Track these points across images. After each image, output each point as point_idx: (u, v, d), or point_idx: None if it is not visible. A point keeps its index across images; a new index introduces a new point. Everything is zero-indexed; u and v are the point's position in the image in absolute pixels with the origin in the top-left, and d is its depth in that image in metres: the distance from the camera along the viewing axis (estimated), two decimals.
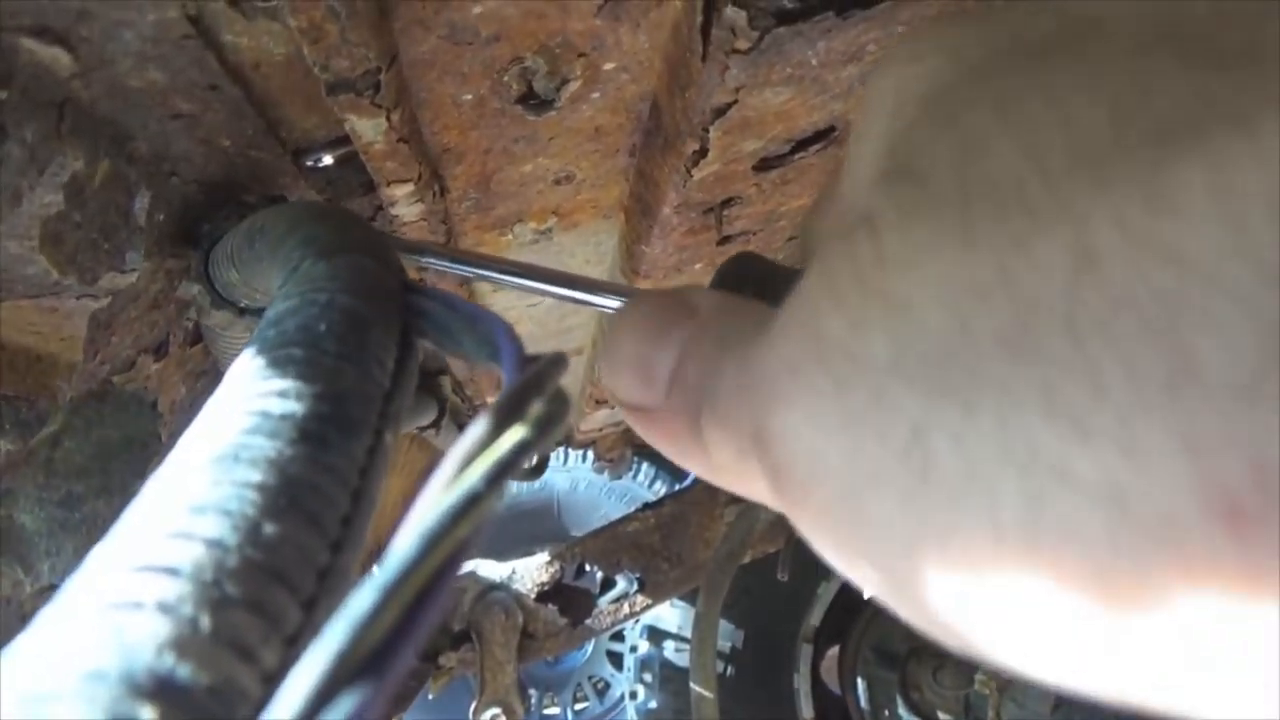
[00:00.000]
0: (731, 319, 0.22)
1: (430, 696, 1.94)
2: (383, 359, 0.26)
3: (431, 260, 0.39)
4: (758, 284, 0.28)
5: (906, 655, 2.36)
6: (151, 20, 0.29)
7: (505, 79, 0.40)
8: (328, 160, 0.43)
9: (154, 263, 0.38)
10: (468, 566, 1.99)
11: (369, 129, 0.36)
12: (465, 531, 0.19)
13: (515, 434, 0.20)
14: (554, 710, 3.67)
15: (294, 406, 0.22)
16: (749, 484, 0.21)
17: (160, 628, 0.16)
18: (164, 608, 0.17)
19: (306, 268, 0.29)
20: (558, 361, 0.22)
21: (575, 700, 3.67)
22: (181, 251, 0.40)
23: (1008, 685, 1.88)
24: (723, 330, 0.22)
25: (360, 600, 0.17)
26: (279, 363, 0.24)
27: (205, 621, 0.17)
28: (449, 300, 0.29)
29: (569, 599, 2.06)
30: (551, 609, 2.01)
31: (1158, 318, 0.13)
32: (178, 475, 0.21)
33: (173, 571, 0.18)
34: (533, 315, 0.85)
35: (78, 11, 0.27)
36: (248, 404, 0.22)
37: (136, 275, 0.40)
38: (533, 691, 3.59)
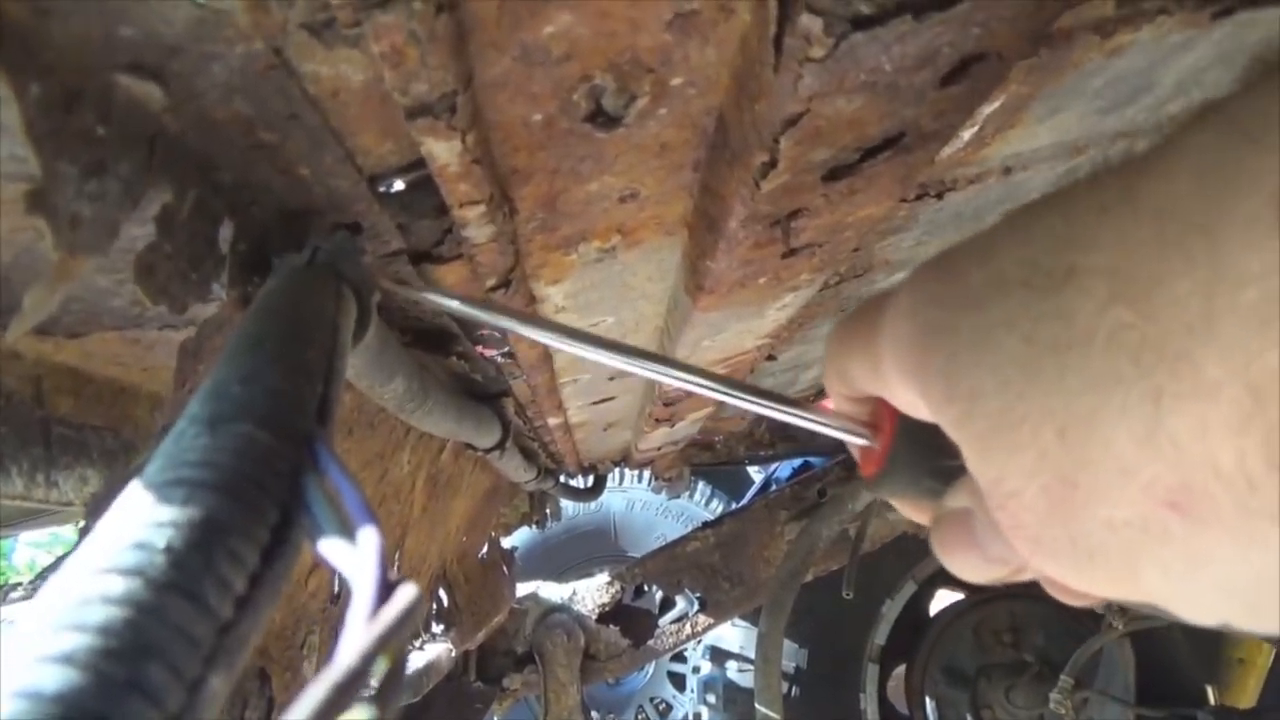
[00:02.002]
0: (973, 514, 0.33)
1: (496, 719, 1.95)
2: (230, 580, 0.22)
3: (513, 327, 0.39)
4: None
5: (976, 674, 2.30)
6: (239, 52, 0.29)
7: (574, 98, 0.40)
8: (400, 185, 0.43)
9: (237, 291, 0.39)
10: (530, 588, 1.99)
11: (444, 151, 0.36)
12: None
13: (362, 710, 0.18)
14: None
15: (73, 680, 0.18)
16: (1096, 589, 0.28)
17: None
18: None
19: (187, 442, 0.25)
20: (413, 608, 0.20)
21: None
22: (262, 280, 0.41)
23: (1084, 704, 1.82)
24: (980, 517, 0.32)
25: None
26: (84, 605, 0.20)
27: None
28: (341, 482, 0.25)
29: (630, 620, 2.06)
30: (613, 630, 2.01)
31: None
32: None
33: None
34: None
35: (170, 47, 0.28)
36: (19, 678, 0.19)
37: (220, 304, 0.41)
38: (595, 714, 3.58)
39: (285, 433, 0.26)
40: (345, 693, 0.18)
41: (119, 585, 0.20)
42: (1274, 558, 0.22)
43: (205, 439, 0.25)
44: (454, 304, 0.41)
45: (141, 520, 0.22)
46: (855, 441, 0.38)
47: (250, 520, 0.23)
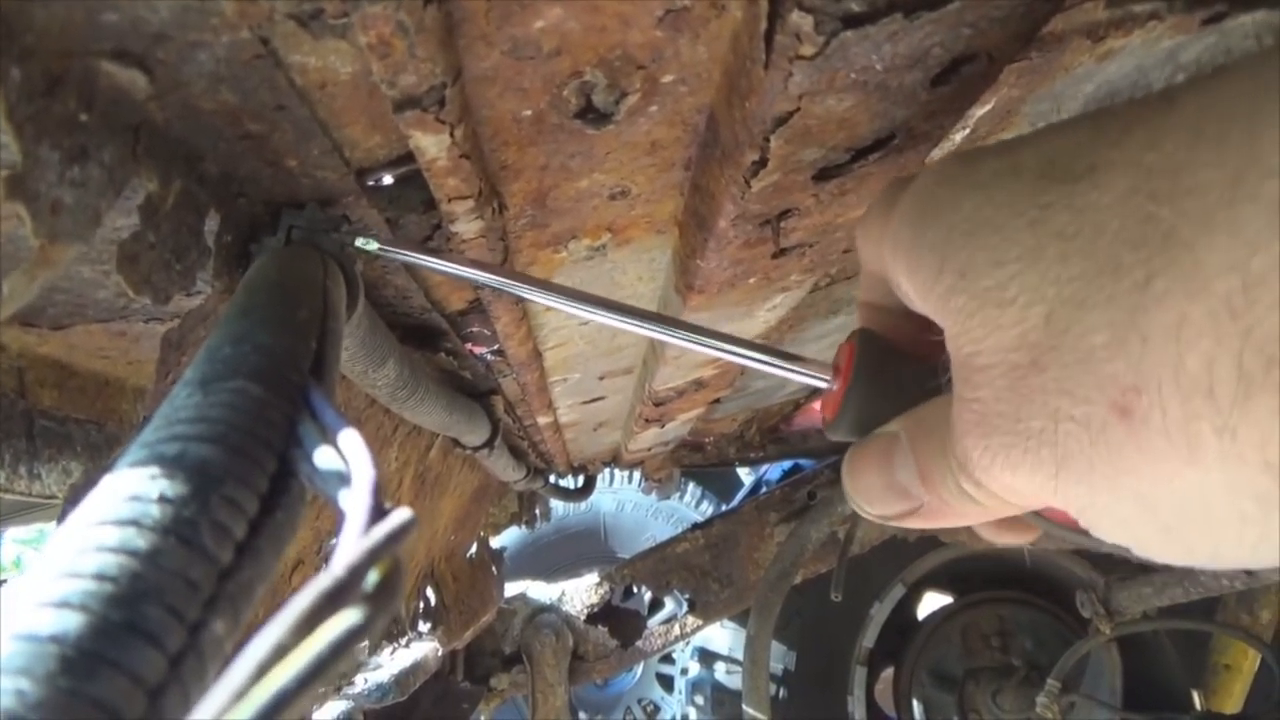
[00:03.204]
0: (932, 424, 0.32)
1: (483, 719, 1.94)
2: (227, 525, 0.22)
3: (503, 286, 0.39)
4: (890, 365, 0.36)
5: (963, 677, 2.30)
6: (225, 41, 0.29)
7: (564, 93, 0.40)
8: (388, 180, 0.43)
9: (222, 283, 0.38)
10: (518, 588, 1.99)
11: (433, 145, 0.36)
12: (298, 709, 0.16)
13: (345, 618, 0.18)
14: None
15: (68, 622, 0.19)
16: (1015, 486, 0.28)
17: None
18: None
19: (181, 401, 0.25)
20: (406, 527, 0.20)
21: None
22: (241, 272, 0.41)
23: (1071, 708, 1.83)
24: (934, 432, 0.32)
25: None
26: (79, 554, 0.20)
27: None
28: (335, 423, 0.26)
29: (619, 621, 2.06)
30: (601, 630, 2.01)
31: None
32: None
33: None
34: (584, 334, 0.85)
35: (155, 35, 0.28)
36: (15, 622, 0.19)
37: (204, 296, 0.40)
38: (583, 715, 3.57)
39: (278, 386, 0.26)
40: (335, 598, 0.18)
41: (114, 534, 0.21)
42: (1202, 479, 0.22)
43: (197, 397, 0.25)
44: (434, 263, 0.40)
45: (136, 476, 0.22)
46: (813, 384, 0.38)
47: (245, 468, 0.23)
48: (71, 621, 0.19)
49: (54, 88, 0.25)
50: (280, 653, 0.17)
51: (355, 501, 0.22)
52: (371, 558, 0.19)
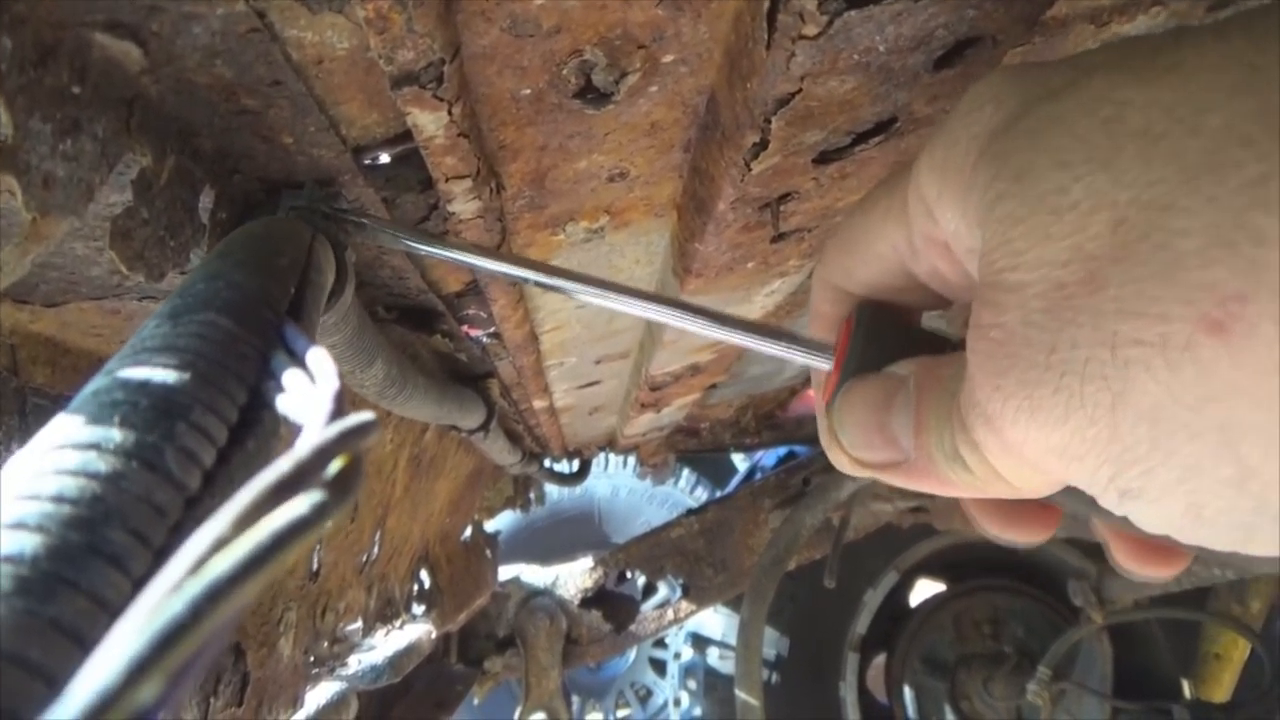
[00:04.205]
0: (947, 373, 0.29)
1: (476, 702, 1.95)
2: (194, 452, 0.22)
3: (494, 269, 0.39)
4: (893, 332, 0.33)
5: (955, 664, 2.32)
6: (220, 14, 0.29)
7: (564, 72, 0.39)
8: (385, 158, 0.43)
9: None
10: (512, 572, 1.99)
11: (430, 123, 0.36)
12: (239, 599, 0.16)
13: (308, 498, 0.17)
14: (596, 717, 3.67)
15: (25, 542, 0.18)
16: (1009, 459, 0.25)
17: None
18: None
19: (149, 332, 0.25)
20: (369, 425, 0.20)
21: (618, 707, 3.66)
22: None
23: (1061, 695, 1.84)
24: (947, 383, 0.28)
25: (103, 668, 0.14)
26: (37, 477, 0.20)
27: None
28: (304, 353, 0.25)
29: (612, 605, 2.06)
30: (595, 614, 2.02)
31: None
32: None
33: None
34: (580, 318, 0.85)
35: (149, 6, 0.27)
36: None
37: None
38: (575, 698, 3.59)
39: (249, 320, 0.26)
40: (294, 481, 0.17)
41: (73, 457, 0.20)
42: None
43: (165, 328, 0.25)
44: (420, 246, 0.40)
45: (97, 400, 0.22)
46: (815, 364, 0.36)
47: (213, 396, 0.23)
48: (28, 542, 0.18)
49: (46, 59, 0.25)
50: (218, 545, 0.16)
51: (318, 400, 0.21)
52: (336, 444, 0.18)
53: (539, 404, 1.14)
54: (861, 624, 2.36)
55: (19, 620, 0.17)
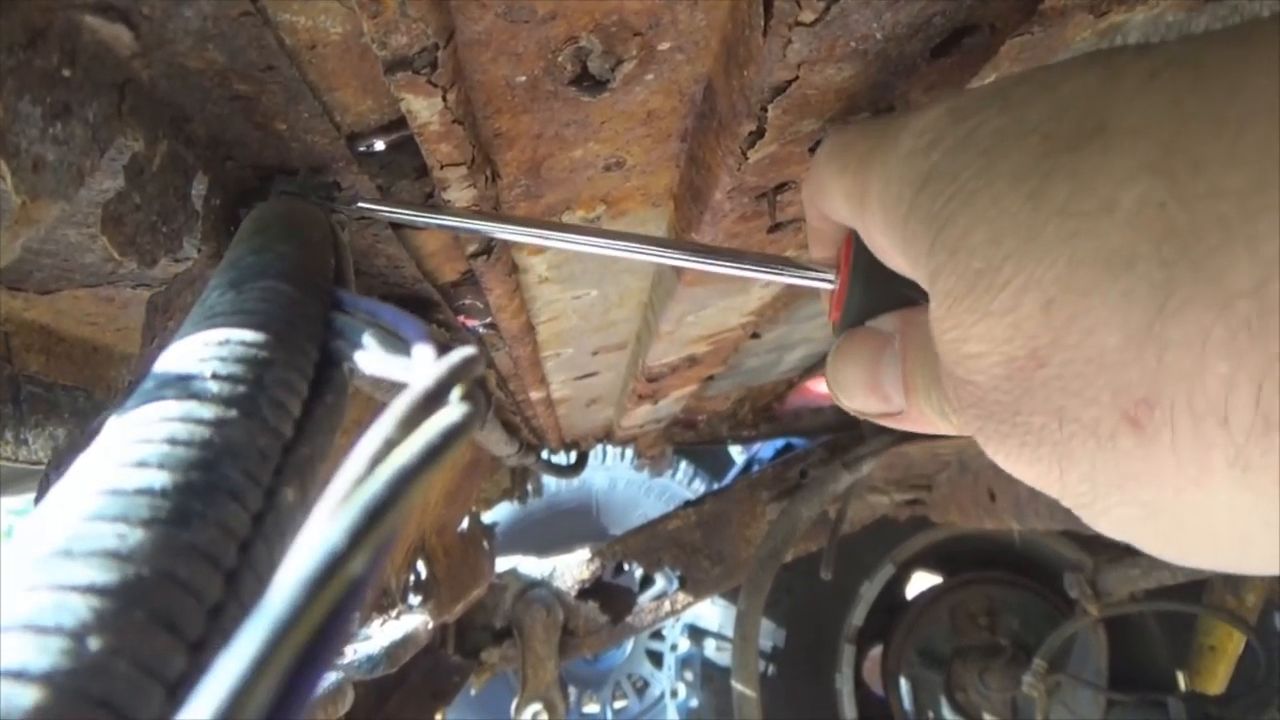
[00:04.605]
0: (919, 340, 0.31)
1: (473, 692, 1.95)
2: (283, 401, 0.23)
3: (501, 233, 0.38)
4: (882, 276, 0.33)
5: (951, 656, 2.32)
6: None
7: (559, 59, 0.39)
8: (380, 145, 0.42)
9: (209, 247, 0.38)
10: (510, 564, 1.99)
11: (425, 109, 0.36)
12: (399, 513, 0.16)
13: (446, 415, 0.18)
14: (593, 708, 3.68)
15: (152, 478, 0.19)
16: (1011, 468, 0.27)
17: None
18: None
19: (213, 300, 0.26)
20: (474, 356, 0.21)
21: (614, 698, 3.68)
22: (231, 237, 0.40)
23: (1056, 687, 1.84)
24: (921, 345, 0.30)
25: (280, 595, 0.14)
26: (146, 423, 0.21)
27: None
28: (371, 309, 0.27)
29: (609, 596, 2.06)
30: (592, 606, 2.02)
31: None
32: None
33: None
34: (577, 308, 0.84)
35: None
36: (98, 480, 0.19)
37: (192, 261, 0.40)
38: (572, 689, 3.60)
39: (307, 285, 0.27)
40: (432, 400, 0.19)
41: (175, 407, 0.21)
42: (1208, 500, 0.21)
43: (230, 295, 0.26)
44: (419, 218, 0.40)
45: (183, 359, 0.23)
46: (818, 285, 0.37)
47: (290, 352, 0.24)
48: (155, 478, 0.19)
49: (35, 41, 0.25)
50: (389, 446, 0.17)
51: (421, 343, 0.22)
52: (462, 368, 0.20)
53: (536, 395, 1.14)
54: (858, 616, 2.37)
55: (163, 543, 0.18)
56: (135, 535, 0.18)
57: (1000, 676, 2.21)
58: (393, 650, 1.14)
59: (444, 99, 0.35)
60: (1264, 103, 0.20)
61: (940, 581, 2.45)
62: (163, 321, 0.38)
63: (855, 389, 0.33)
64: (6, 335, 0.48)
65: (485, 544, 1.79)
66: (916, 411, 0.31)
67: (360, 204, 0.40)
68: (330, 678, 0.97)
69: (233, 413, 0.21)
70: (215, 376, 0.22)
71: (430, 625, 1.31)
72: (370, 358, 0.25)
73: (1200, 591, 1.81)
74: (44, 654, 0.15)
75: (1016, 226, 0.23)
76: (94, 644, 0.16)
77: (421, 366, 0.21)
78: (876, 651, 2.44)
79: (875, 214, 0.30)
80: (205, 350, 0.23)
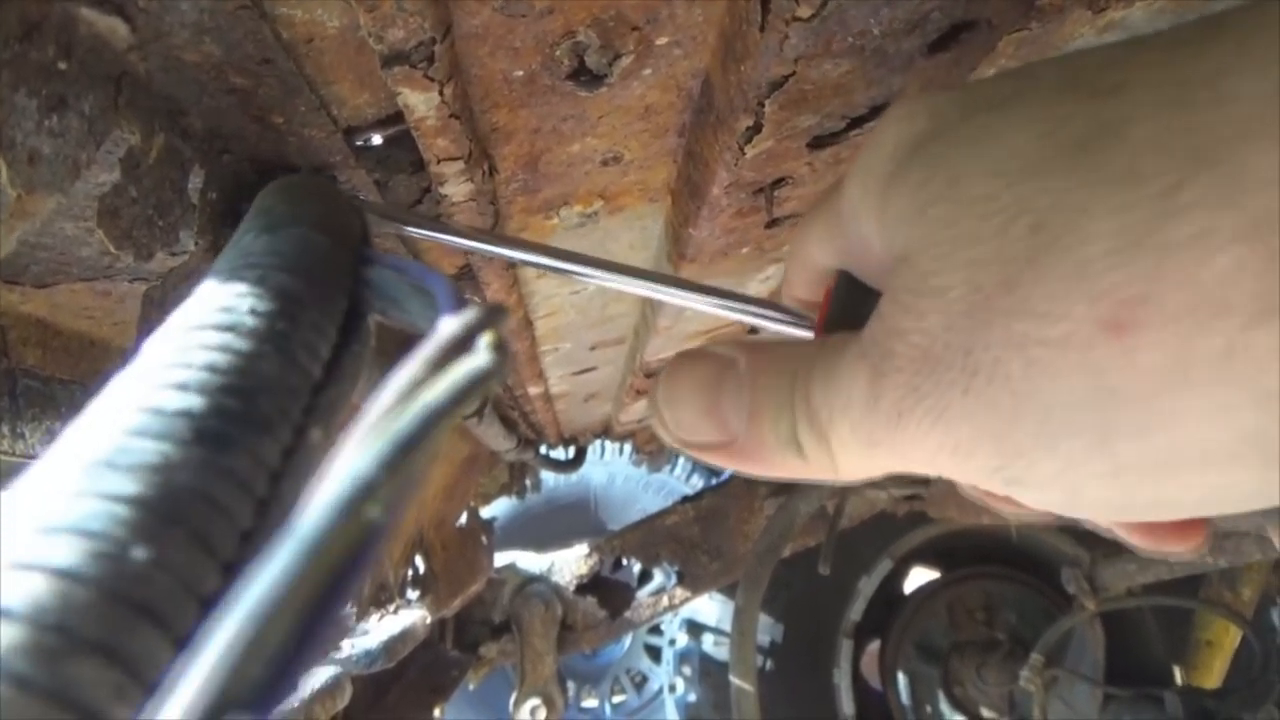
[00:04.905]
0: (784, 358, 0.29)
1: (471, 687, 1.96)
2: (314, 344, 0.24)
3: (479, 247, 0.38)
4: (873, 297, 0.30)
5: (949, 650, 2.33)
6: None
7: (557, 54, 0.39)
8: (377, 140, 0.42)
9: (206, 241, 0.38)
10: (508, 558, 1.99)
11: (421, 103, 0.36)
12: (426, 451, 0.17)
13: (475, 360, 0.19)
14: (591, 703, 3.69)
15: (192, 401, 0.20)
16: (863, 452, 0.26)
17: None
18: None
19: (248, 242, 0.27)
20: (500, 308, 0.22)
21: (613, 693, 3.68)
22: (231, 230, 0.40)
23: (1053, 682, 1.85)
24: (785, 367, 0.28)
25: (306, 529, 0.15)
26: (185, 350, 0.21)
27: (39, 676, 0.14)
28: (398, 265, 0.27)
29: (608, 591, 2.07)
30: (590, 601, 2.02)
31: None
32: (36, 487, 0.18)
33: (4, 614, 0.15)
34: (575, 303, 0.85)
35: None
36: (140, 399, 0.20)
37: (189, 255, 0.40)
38: (570, 684, 3.60)
39: (339, 236, 0.28)
40: (458, 347, 0.19)
41: (215, 337, 0.22)
42: (1185, 407, 0.20)
43: (265, 238, 0.27)
44: (414, 230, 0.40)
45: (223, 293, 0.24)
46: (797, 333, 0.35)
47: (322, 298, 0.25)
48: (195, 402, 0.20)
49: (31, 33, 0.25)
50: (418, 385, 0.17)
51: (445, 296, 0.23)
52: (489, 317, 0.20)
53: (534, 390, 1.14)
54: (856, 611, 2.37)
55: (202, 465, 0.18)
56: (176, 454, 0.18)
57: (997, 671, 2.21)
58: (391, 645, 1.15)
59: (441, 93, 0.35)
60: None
61: (938, 576, 2.45)
62: (159, 316, 0.38)
63: (688, 412, 0.30)
64: (3, 329, 0.48)
65: (483, 539, 1.79)
66: (755, 441, 0.29)
67: (361, 204, 0.40)
68: (328, 673, 0.98)
69: (268, 348, 0.22)
70: (253, 312, 0.23)
71: (428, 620, 1.31)
72: (399, 308, 0.26)
73: (1197, 586, 1.81)
74: (93, 558, 0.16)
75: (1025, 161, 0.23)
76: (138, 553, 0.16)
77: (448, 315, 0.21)
78: (874, 646, 2.45)
79: (853, 186, 0.29)
80: (243, 287, 0.24)
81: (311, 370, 0.23)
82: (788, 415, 0.28)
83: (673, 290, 0.37)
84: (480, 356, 0.19)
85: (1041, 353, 0.22)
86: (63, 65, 0.26)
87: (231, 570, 0.18)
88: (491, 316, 0.20)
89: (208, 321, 0.22)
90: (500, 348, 0.19)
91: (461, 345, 0.19)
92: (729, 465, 0.30)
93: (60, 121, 0.26)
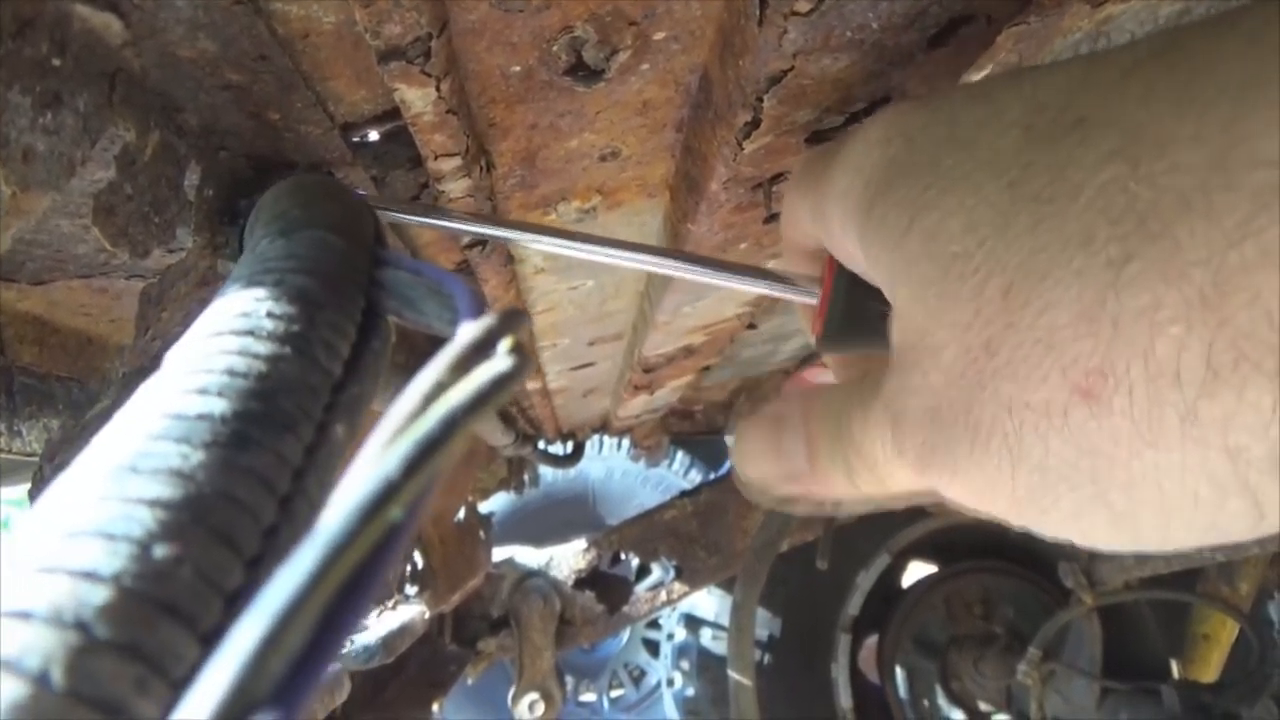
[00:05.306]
0: (824, 404, 0.31)
1: (469, 682, 1.96)
2: (333, 343, 0.24)
3: (486, 232, 0.38)
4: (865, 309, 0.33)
5: (946, 645, 2.33)
6: None
7: (554, 49, 0.39)
8: (374, 136, 0.42)
9: (203, 238, 0.38)
10: (506, 554, 1.99)
11: (418, 99, 0.35)
12: (449, 452, 0.17)
13: (496, 364, 0.19)
14: (589, 697, 3.70)
15: (213, 404, 0.20)
16: (908, 484, 0.29)
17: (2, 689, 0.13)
18: (6, 664, 0.14)
19: (264, 247, 0.28)
20: (520, 313, 0.22)
21: (611, 687, 3.69)
22: (231, 225, 0.40)
23: (1051, 675, 1.85)
24: (825, 413, 0.31)
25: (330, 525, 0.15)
26: (206, 355, 0.22)
27: (57, 675, 0.14)
28: (414, 267, 0.28)
29: (606, 586, 2.07)
30: (589, 595, 2.02)
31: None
32: (60, 496, 0.18)
33: (24, 616, 0.15)
34: (573, 299, 0.84)
35: None
36: (161, 404, 0.20)
37: (186, 252, 0.40)
38: (569, 678, 3.61)
39: (353, 238, 0.28)
40: (480, 350, 0.19)
41: (234, 342, 0.22)
42: (1161, 460, 0.21)
43: (281, 241, 0.27)
44: (412, 218, 0.40)
45: (240, 299, 0.24)
46: (800, 299, 0.36)
47: (340, 298, 0.25)
48: (216, 405, 0.20)
49: (24, 30, 0.25)
50: (441, 388, 0.18)
51: (463, 299, 0.23)
52: (510, 321, 0.20)
53: (532, 386, 1.14)
54: (854, 605, 2.37)
55: (223, 465, 0.19)
56: (197, 456, 0.19)
57: (995, 665, 2.22)
58: (390, 640, 1.15)
59: (438, 89, 0.35)
60: (1232, 80, 0.20)
61: (936, 571, 2.45)
62: (156, 313, 0.38)
63: (758, 455, 0.33)
64: (0, 326, 0.48)
65: (482, 534, 1.79)
66: (821, 471, 0.31)
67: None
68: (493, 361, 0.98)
69: (287, 349, 0.22)
70: (271, 315, 0.23)
71: (427, 615, 1.31)
72: (414, 309, 0.26)
73: (1194, 580, 1.82)
74: (114, 558, 0.16)
75: (994, 215, 0.24)
76: (159, 552, 0.17)
77: (469, 319, 0.22)
78: (872, 640, 2.45)
79: (834, 208, 0.30)
80: (261, 290, 0.24)
81: (332, 369, 0.23)
82: (842, 453, 0.30)
83: (680, 264, 0.38)
84: (501, 361, 0.19)
85: (1028, 415, 0.23)
86: (57, 62, 0.26)
87: (257, 565, 0.18)
88: (511, 321, 0.21)
89: (226, 328, 0.23)
90: (520, 352, 0.20)
91: (482, 349, 0.19)
92: (811, 492, 0.32)
93: (55, 119, 0.26)
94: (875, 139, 0.29)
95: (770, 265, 0.73)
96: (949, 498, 0.28)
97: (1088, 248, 0.22)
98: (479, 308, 0.23)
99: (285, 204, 0.31)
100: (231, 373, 0.21)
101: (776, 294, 0.37)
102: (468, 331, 0.20)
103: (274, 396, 0.21)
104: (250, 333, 0.22)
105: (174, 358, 0.23)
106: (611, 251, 0.37)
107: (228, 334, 0.22)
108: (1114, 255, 0.21)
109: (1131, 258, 0.21)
